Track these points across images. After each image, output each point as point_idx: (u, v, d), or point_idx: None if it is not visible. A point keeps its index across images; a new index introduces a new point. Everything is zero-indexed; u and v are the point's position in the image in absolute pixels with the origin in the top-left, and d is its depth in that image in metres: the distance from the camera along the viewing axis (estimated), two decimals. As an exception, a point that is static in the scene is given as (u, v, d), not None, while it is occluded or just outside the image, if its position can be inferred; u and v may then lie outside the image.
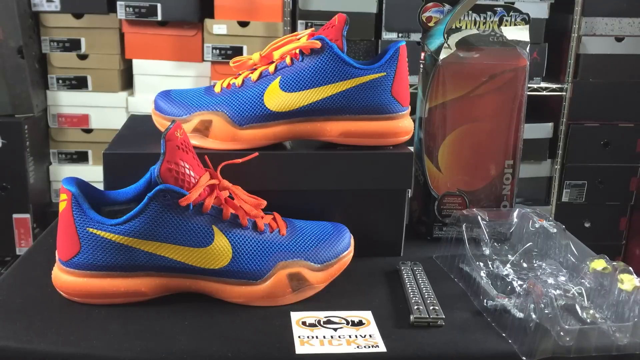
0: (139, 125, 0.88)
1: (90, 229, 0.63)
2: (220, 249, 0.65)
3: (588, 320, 0.64)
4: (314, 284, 0.69)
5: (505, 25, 0.85)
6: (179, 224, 0.64)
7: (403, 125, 0.78)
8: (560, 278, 0.71)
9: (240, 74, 0.78)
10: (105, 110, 2.05)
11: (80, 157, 2.10)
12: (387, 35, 1.95)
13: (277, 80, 0.75)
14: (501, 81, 0.83)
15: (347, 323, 0.64)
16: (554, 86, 2.05)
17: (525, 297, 0.64)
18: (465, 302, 0.70)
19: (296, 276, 0.67)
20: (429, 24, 0.87)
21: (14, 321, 0.62)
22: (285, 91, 0.75)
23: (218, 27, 1.97)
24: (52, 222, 0.85)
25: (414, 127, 0.82)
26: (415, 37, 1.94)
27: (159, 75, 2.04)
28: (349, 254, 0.72)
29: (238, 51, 2.00)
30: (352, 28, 0.77)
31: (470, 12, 0.84)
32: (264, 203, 0.70)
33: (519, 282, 0.69)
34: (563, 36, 2.05)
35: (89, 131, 2.08)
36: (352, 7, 1.89)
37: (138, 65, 2.03)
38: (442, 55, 0.81)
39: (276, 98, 0.75)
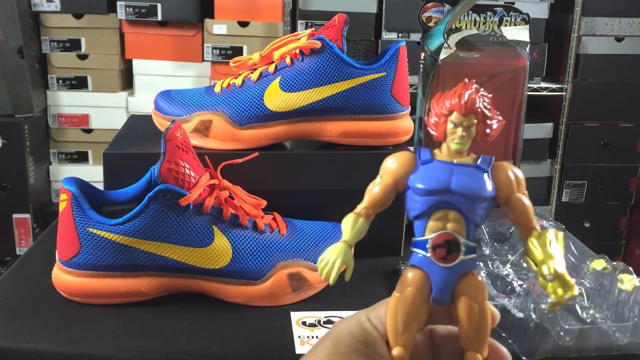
0: (139, 125, 0.88)
1: (91, 229, 0.63)
2: (220, 249, 0.65)
3: (588, 320, 0.64)
4: (314, 284, 0.68)
5: (505, 25, 0.85)
6: (179, 224, 0.64)
7: (403, 125, 0.78)
8: (560, 278, 0.71)
9: (240, 74, 0.78)
10: (105, 110, 2.05)
11: (80, 157, 2.10)
12: (387, 35, 1.95)
13: (277, 80, 0.75)
14: (501, 81, 0.83)
15: (347, 323, 0.64)
16: (554, 86, 2.05)
17: (525, 297, 0.64)
18: (465, 302, 0.70)
19: (296, 276, 0.67)
20: (429, 24, 0.87)
21: (14, 321, 0.62)
22: (285, 91, 0.75)
23: (218, 27, 1.97)
24: (52, 222, 0.85)
25: (414, 127, 0.82)
26: (415, 37, 1.94)
27: (159, 75, 2.04)
28: (349, 254, 0.72)
29: (238, 51, 2.00)
30: (352, 28, 0.77)
31: (470, 12, 0.84)
32: (264, 203, 0.70)
33: (519, 282, 0.69)
34: (563, 36, 2.05)
35: (89, 131, 2.08)
36: (352, 7, 1.89)
37: (138, 65, 2.03)
38: (442, 55, 0.81)
39: (276, 98, 0.75)
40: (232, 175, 0.69)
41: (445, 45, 0.82)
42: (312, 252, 0.69)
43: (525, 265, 0.75)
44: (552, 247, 0.38)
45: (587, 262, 0.70)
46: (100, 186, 0.70)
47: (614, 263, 0.68)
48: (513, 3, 1.92)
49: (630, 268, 0.67)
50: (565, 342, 0.60)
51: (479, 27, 0.85)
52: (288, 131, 0.76)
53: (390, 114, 0.77)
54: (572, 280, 0.36)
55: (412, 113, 0.81)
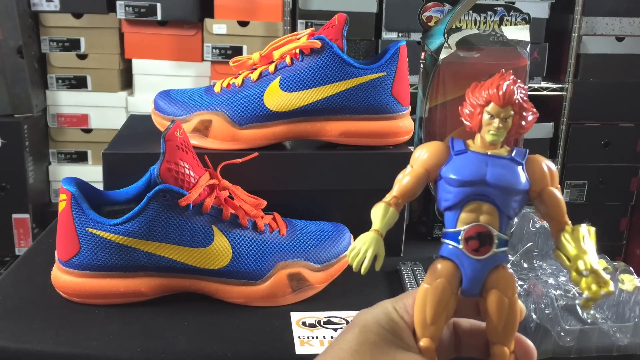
0: (138, 125, 0.88)
1: (90, 229, 0.63)
2: (220, 249, 0.65)
3: (589, 321, 0.63)
4: (314, 284, 0.68)
5: (506, 25, 0.85)
6: (179, 224, 0.63)
7: (403, 125, 0.78)
8: (561, 278, 0.71)
9: (240, 74, 0.78)
10: (105, 110, 2.05)
11: (80, 157, 2.10)
12: (387, 35, 1.95)
13: (277, 80, 0.75)
14: (501, 81, 0.83)
15: (347, 323, 0.64)
16: (554, 86, 2.04)
17: (526, 297, 0.64)
18: (465, 302, 0.70)
19: (296, 276, 0.67)
20: (429, 24, 0.86)
21: (14, 321, 0.62)
22: (285, 91, 0.75)
23: (218, 27, 1.97)
24: (52, 222, 0.85)
25: (414, 127, 0.82)
26: (416, 36, 1.94)
27: (158, 75, 2.04)
28: (349, 254, 0.72)
29: (238, 51, 2.00)
30: (352, 28, 0.77)
31: (470, 11, 0.84)
32: (264, 203, 0.70)
33: (520, 282, 0.69)
34: (563, 36, 2.05)
35: (88, 131, 2.08)
36: (352, 7, 1.89)
37: (138, 65, 2.03)
38: (443, 55, 0.81)
39: (276, 98, 0.75)
40: (232, 175, 0.69)
41: (446, 45, 0.82)
42: (312, 252, 0.69)
43: (525, 265, 0.75)
44: (585, 243, 0.38)
45: (588, 262, 0.70)
46: (100, 186, 0.70)
47: (615, 263, 0.68)
48: (513, 3, 1.92)
49: (631, 268, 0.66)
50: (566, 343, 0.60)
51: (479, 26, 0.85)
52: (288, 131, 0.76)
53: (390, 113, 0.77)
54: (607, 276, 0.36)
55: (412, 113, 0.81)
